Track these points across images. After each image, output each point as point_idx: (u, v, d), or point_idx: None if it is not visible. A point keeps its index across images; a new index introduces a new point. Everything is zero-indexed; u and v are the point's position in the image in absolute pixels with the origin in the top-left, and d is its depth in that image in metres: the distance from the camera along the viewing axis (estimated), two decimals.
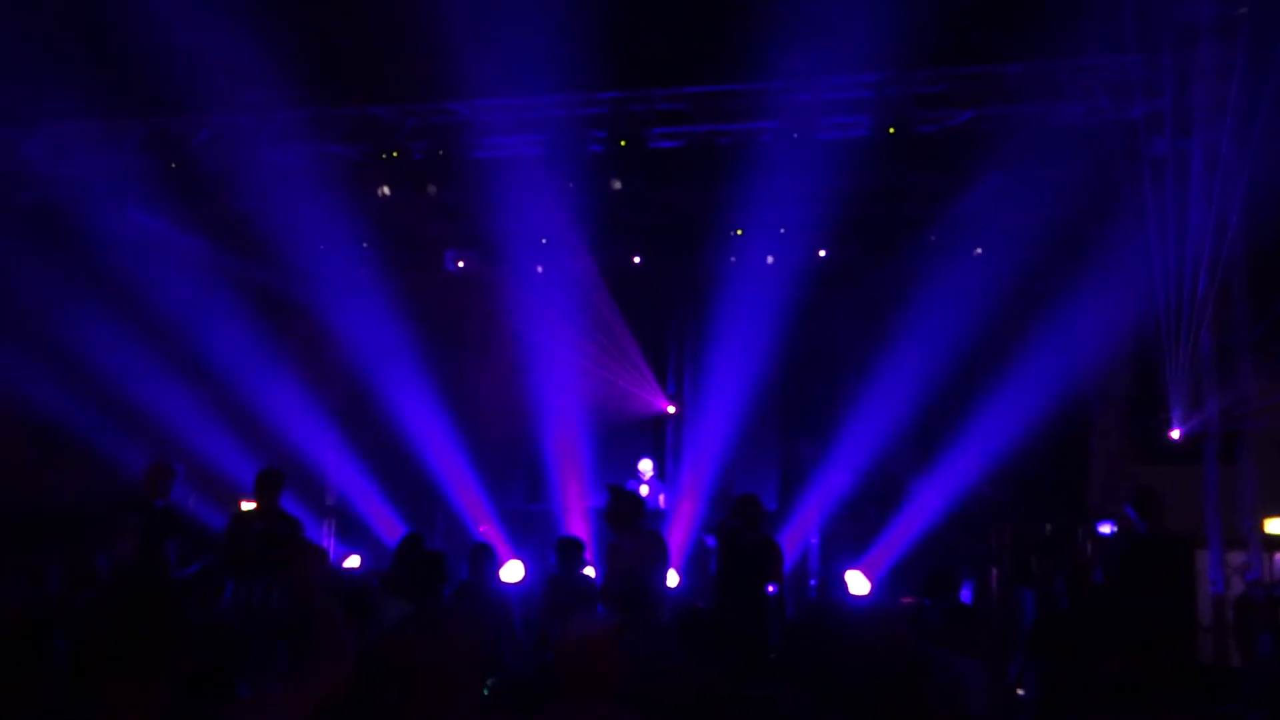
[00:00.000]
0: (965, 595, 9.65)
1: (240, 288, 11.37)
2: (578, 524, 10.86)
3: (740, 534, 7.78)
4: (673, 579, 9.27)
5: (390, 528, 11.09)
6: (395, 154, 10.31)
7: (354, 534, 11.60)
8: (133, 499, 7.77)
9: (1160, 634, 3.42)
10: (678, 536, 10.54)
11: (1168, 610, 7.11)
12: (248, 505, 10.07)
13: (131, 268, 10.90)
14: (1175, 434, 10.00)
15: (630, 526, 7.90)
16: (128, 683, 2.45)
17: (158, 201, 10.69)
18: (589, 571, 8.59)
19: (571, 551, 8.25)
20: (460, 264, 11.66)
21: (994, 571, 10.56)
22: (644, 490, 11.04)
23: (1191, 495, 9.89)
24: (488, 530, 10.90)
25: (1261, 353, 9.90)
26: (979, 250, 11.16)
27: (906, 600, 9.05)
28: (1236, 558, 9.93)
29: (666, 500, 11.58)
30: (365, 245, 11.38)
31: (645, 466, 11.43)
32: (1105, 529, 10.55)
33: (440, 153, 10.25)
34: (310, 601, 2.88)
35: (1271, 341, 10.07)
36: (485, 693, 6.22)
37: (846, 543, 11.18)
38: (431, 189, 10.50)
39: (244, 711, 2.53)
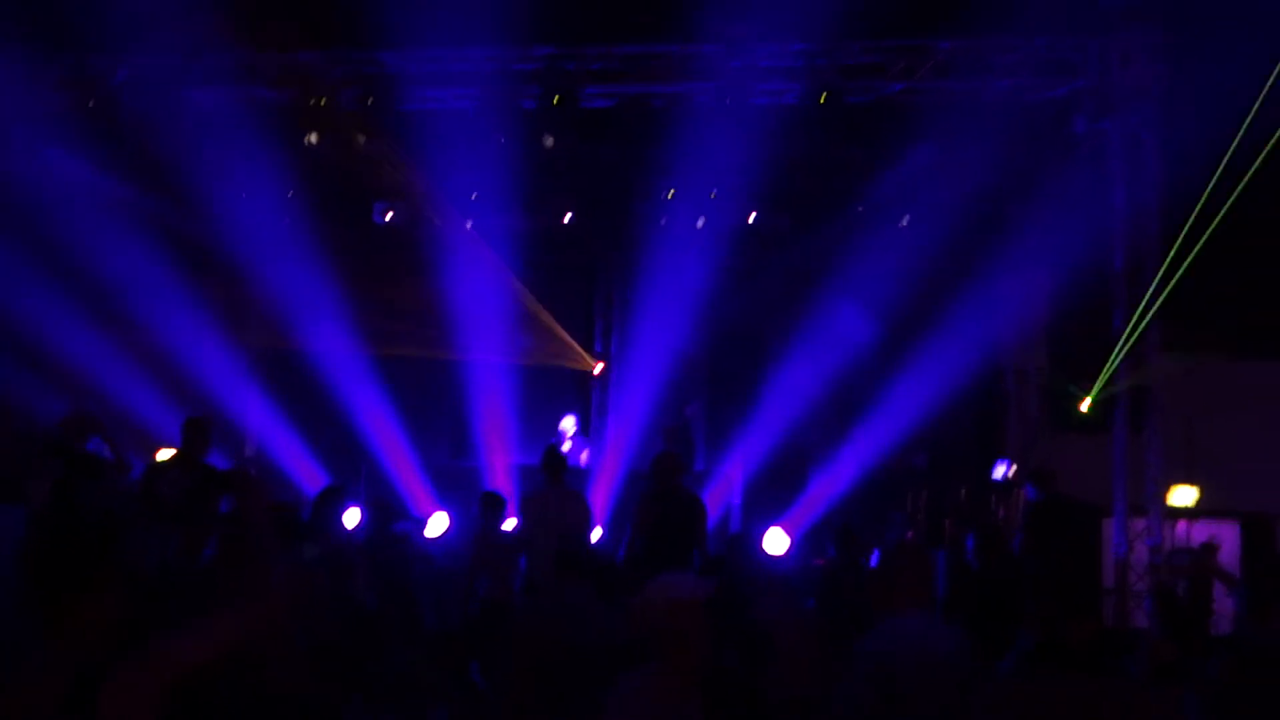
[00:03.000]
0: (874, 559, 9.91)
1: (161, 233, 11.11)
2: (502, 480, 10.89)
3: (665, 491, 7.87)
4: (595, 535, 9.37)
5: (312, 479, 11.00)
6: (323, 101, 10.14)
7: (273, 483, 11.47)
8: (50, 444, 7.62)
9: (1076, 597, 3.53)
10: (601, 493, 10.63)
11: (1078, 574, 7.39)
12: (164, 454, 9.93)
13: (48, 210, 10.61)
14: (1085, 405, 10.32)
15: (554, 481, 7.99)
16: (66, 621, 2.47)
17: (75, 142, 10.39)
18: (509, 525, 8.65)
19: (494, 506, 8.31)
20: (389, 216, 11.53)
21: (909, 534, 10.83)
22: (566, 447, 11.08)
23: (1102, 464, 10.24)
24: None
25: (1170, 328, 10.25)
26: (905, 220, 11.33)
27: (818, 561, 9.27)
28: (1138, 524, 10.32)
29: (589, 458, 11.66)
30: (291, 194, 11.18)
31: (568, 424, 11.46)
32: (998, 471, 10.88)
33: (370, 102, 10.11)
34: (252, 538, 2.87)
35: (1179, 317, 10.42)
36: None
37: (768, 504, 11.38)
38: (360, 139, 10.36)
39: (173, 644, 2.54)
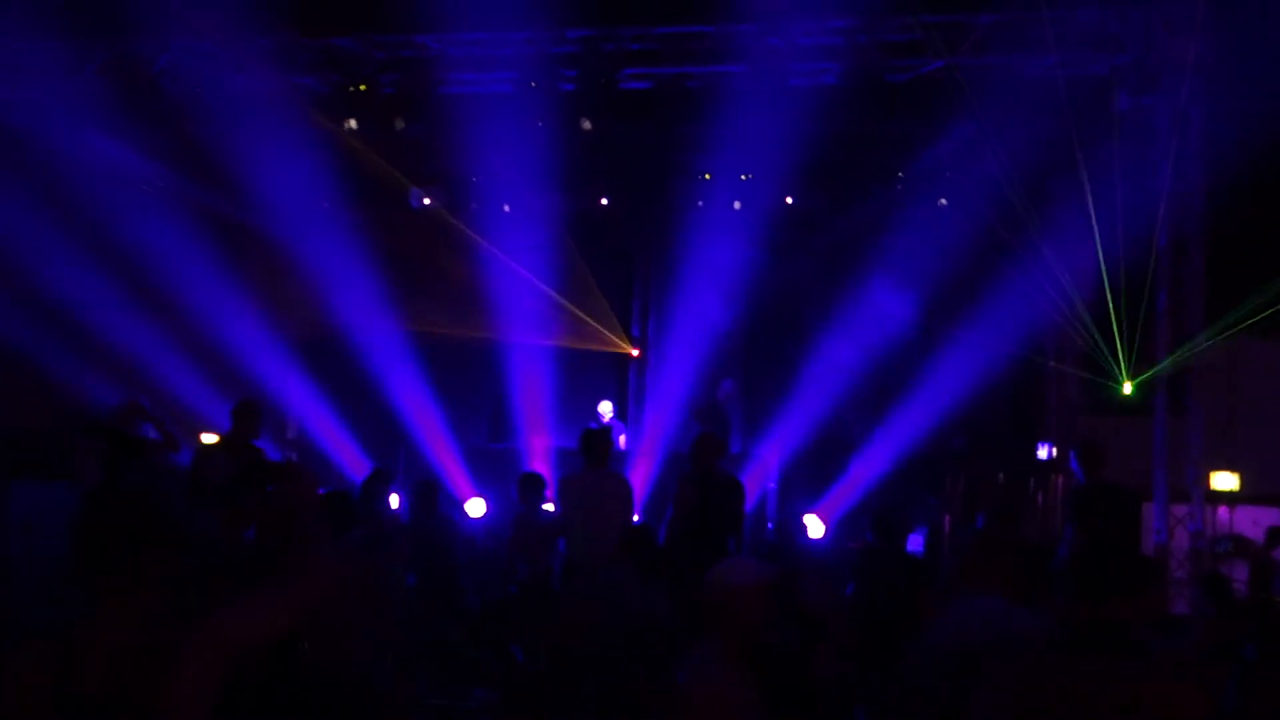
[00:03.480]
0: (918, 541, 9.87)
1: (201, 217, 11.22)
2: (540, 463, 10.94)
3: (706, 471, 7.88)
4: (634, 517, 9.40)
5: (353, 462, 11.11)
6: (363, 87, 10.18)
7: (314, 467, 11.59)
8: (97, 426, 7.73)
9: (1123, 579, 3.50)
10: (640, 476, 10.65)
11: (1121, 554, 7.31)
12: (208, 438, 10.05)
13: (90, 194, 10.72)
14: (1127, 388, 10.21)
15: (599, 462, 8.01)
16: (122, 589, 2.50)
17: (118, 127, 10.49)
18: (549, 508, 8.69)
19: (534, 487, 8.35)
20: (426, 201, 11.57)
21: (947, 518, 10.78)
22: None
23: (1142, 448, 10.13)
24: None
25: (1214, 309, 10.12)
26: (944, 201, 11.24)
27: (855, 545, 9.26)
28: (1180, 509, 10.21)
29: (627, 441, 11.69)
30: (330, 178, 11.25)
31: (605, 408, 11.49)
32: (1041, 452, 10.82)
33: (409, 87, 10.14)
34: (299, 525, 2.91)
35: (1224, 298, 10.29)
36: None
37: (804, 487, 11.36)
38: (399, 124, 10.39)
39: (239, 616, 2.58)
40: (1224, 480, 11.13)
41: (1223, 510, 11.33)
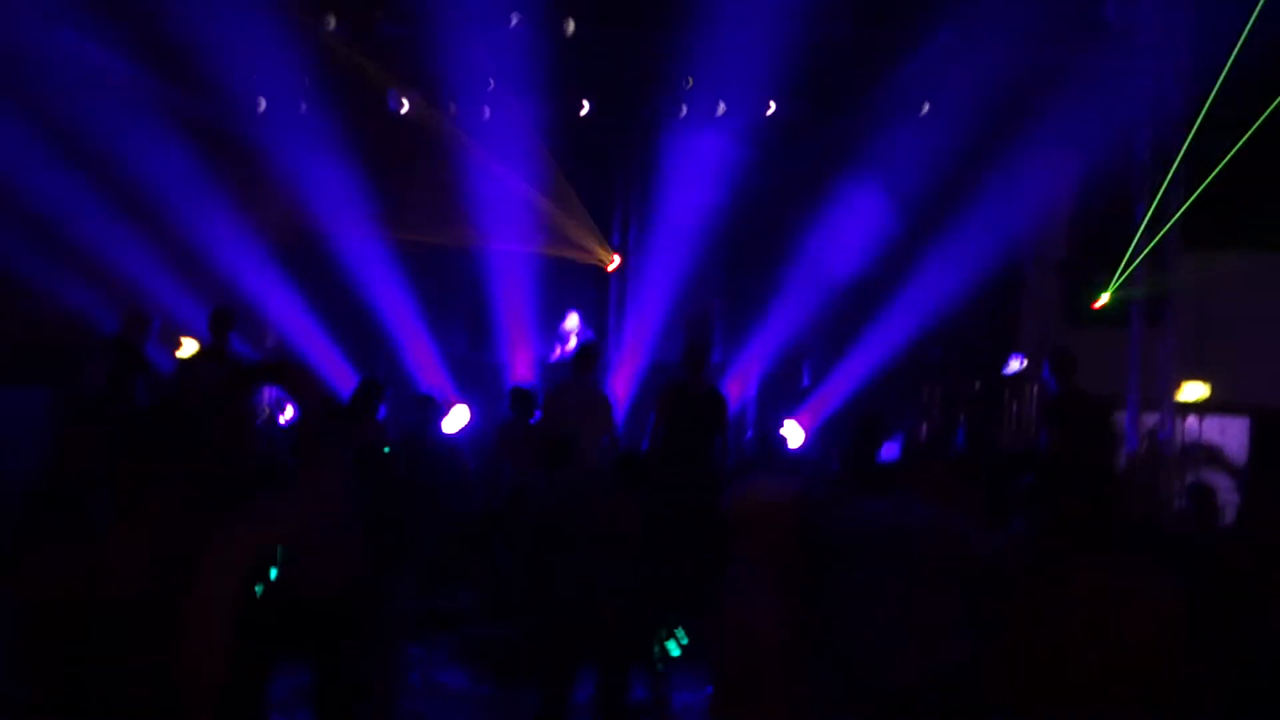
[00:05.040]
0: (895, 449, 10.03)
1: (174, 119, 10.97)
2: (523, 372, 10.97)
3: (690, 382, 7.97)
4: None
5: (335, 370, 11.08)
6: None
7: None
8: (112, 340, 7.73)
9: (1093, 481, 3.62)
10: (621, 385, 10.72)
11: (1091, 459, 7.50)
12: (188, 345, 10.00)
13: (57, 95, 10.45)
14: (1103, 299, 10.34)
15: (580, 373, 8.07)
16: (142, 499, 2.54)
17: (84, 24, 10.18)
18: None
19: (524, 400, 8.41)
20: (405, 103, 11.36)
21: (924, 426, 10.96)
22: (571, 344, 11.07)
23: (1116, 358, 10.30)
24: None
25: (1191, 222, 10.21)
26: (926, 108, 11.16)
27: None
28: (1151, 418, 10.43)
29: (608, 350, 11.71)
30: (307, 78, 11.00)
31: (572, 321, 11.46)
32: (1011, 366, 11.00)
33: None
34: (310, 426, 2.93)
35: (1201, 213, 10.37)
36: None
37: (784, 397, 11.49)
38: (378, 21, 10.15)
39: (261, 518, 2.63)
40: (1193, 389, 11.36)
41: (1191, 419, 11.58)
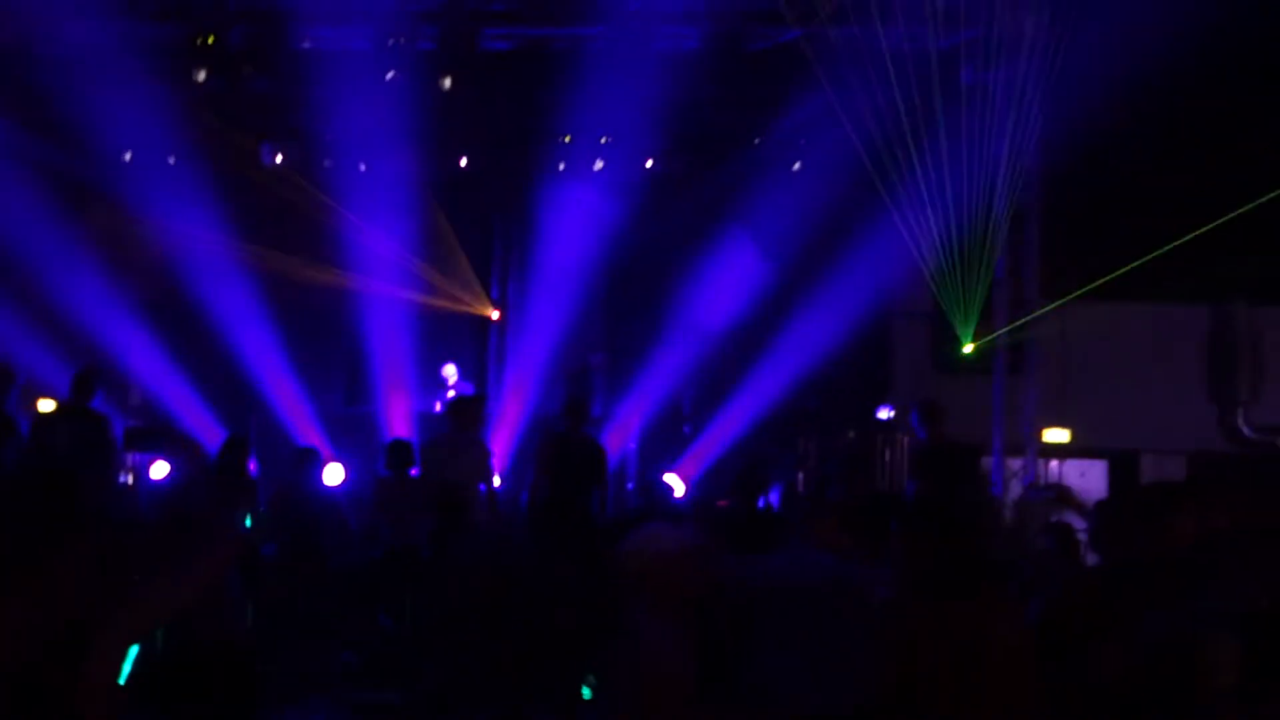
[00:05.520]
0: (774, 498, 10.20)
1: (37, 172, 10.63)
2: (400, 426, 10.82)
3: (570, 434, 8.01)
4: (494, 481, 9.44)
5: (204, 428, 10.77)
6: (211, 39, 9.80)
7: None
8: None
9: (950, 527, 3.76)
10: (501, 439, 10.67)
11: (953, 505, 7.74)
12: (45, 404, 9.61)
13: None
14: (968, 349, 10.74)
15: (459, 428, 8.04)
16: (30, 574, 2.44)
17: None
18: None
19: (401, 453, 8.31)
20: (279, 158, 11.22)
21: (800, 476, 11.16)
22: (450, 395, 11.00)
23: (983, 405, 10.69)
24: None
25: (1048, 274, 10.71)
26: (798, 165, 11.50)
27: (722, 503, 9.50)
28: (1017, 463, 10.83)
29: (488, 403, 11.64)
30: (176, 132, 10.79)
31: (449, 371, 11.40)
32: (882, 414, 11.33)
33: (261, 40, 9.81)
34: (197, 494, 2.87)
35: (1056, 264, 10.90)
36: None
37: (664, 448, 11.58)
38: (250, 78, 10.03)
39: (154, 593, 2.54)
40: (1055, 435, 11.85)
41: (1054, 463, 12.07)
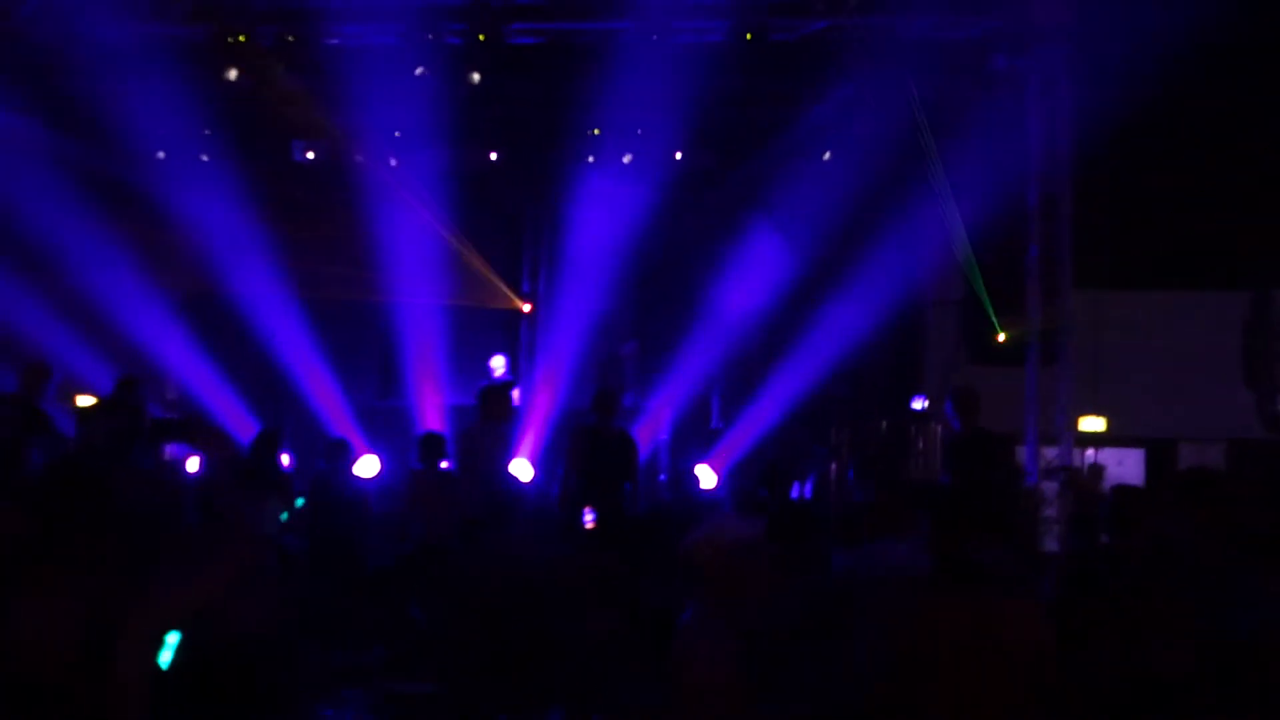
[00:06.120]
0: (807, 489, 10.18)
1: (74, 172, 10.79)
2: (433, 420, 10.90)
3: (601, 427, 8.02)
4: (528, 472, 9.49)
5: (239, 423, 10.89)
6: (242, 38, 9.89)
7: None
8: (11, 399, 7.54)
9: (980, 516, 3.74)
10: (533, 433, 10.71)
11: (987, 497, 7.69)
12: (85, 401, 9.76)
13: None
14: (1001, 337, 10.65)
15: (499, 418, 8.07)
16: (55, 570, 2.49)
17: None
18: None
19: (434, 447, 8.36)
20: (310, 154, 11.31)
21: (833, 466, 11.12)
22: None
23: (1017, 394, 10.60)
24: None
25: (1082, 262, 10.59)
26: (827, 155, 11.45)
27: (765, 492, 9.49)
28: (1052, 452, 10.73)
29: (520, 396, 11.70)
30: (208, 132, 10.91)
31: (498, 363, 11.47)
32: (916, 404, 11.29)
33: (290, 38, 9.89)
34: (224, 491, 2.91)
35: (1091, 253, 10.78)
36: None
37: (696, 439, 11.58)
38: (281, 76, 10.12)
39: (180, 586, 2.59)
40: (1091, 423, 11.75)
41: (1089, 451, 11.96)
